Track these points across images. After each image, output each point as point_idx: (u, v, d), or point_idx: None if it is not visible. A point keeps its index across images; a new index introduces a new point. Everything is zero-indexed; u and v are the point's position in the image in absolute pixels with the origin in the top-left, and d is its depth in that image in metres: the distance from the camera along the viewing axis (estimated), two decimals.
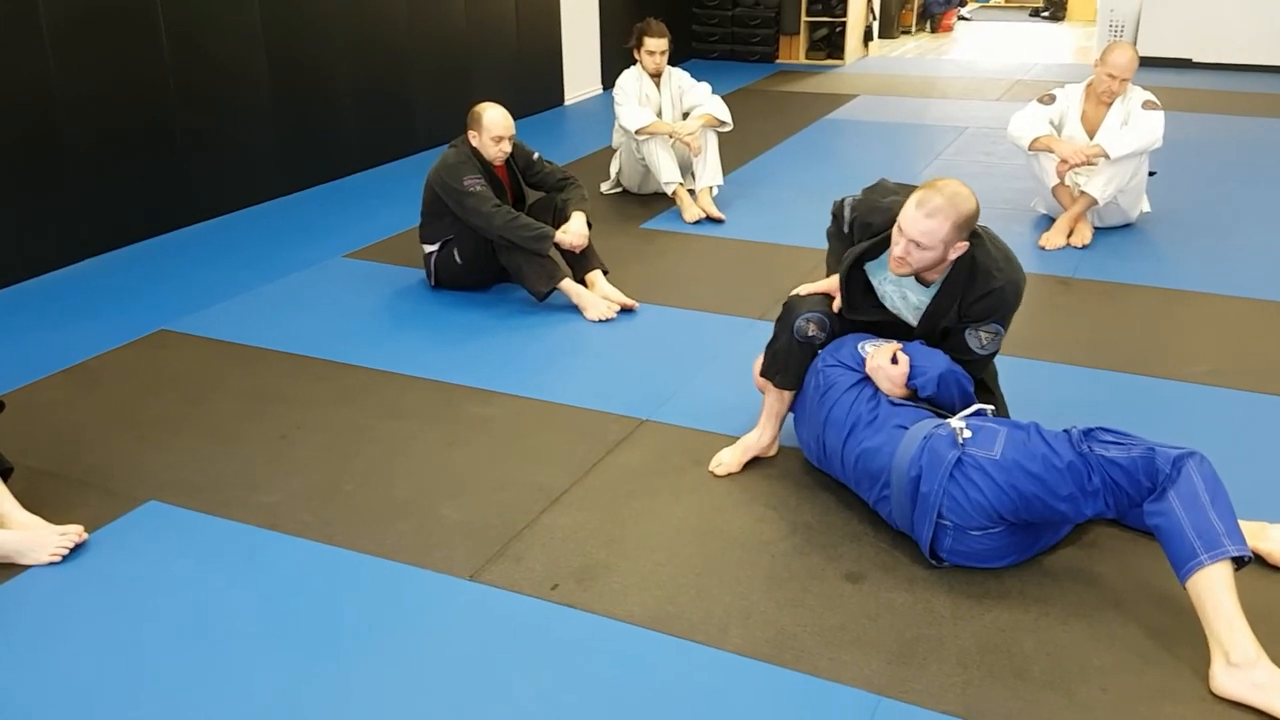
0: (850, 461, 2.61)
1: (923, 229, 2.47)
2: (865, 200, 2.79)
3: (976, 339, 2.66)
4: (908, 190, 2.65)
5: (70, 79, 4.43)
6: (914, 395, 2.62)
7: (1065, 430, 2.34)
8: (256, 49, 5.32)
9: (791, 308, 2.80)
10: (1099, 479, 2.24)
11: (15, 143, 4.28)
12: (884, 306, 2.77)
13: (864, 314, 2.77)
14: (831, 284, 2.83)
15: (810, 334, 2.75)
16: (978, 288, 2.59)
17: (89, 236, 4.62)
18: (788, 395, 2.85)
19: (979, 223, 2.58)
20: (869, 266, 2.72)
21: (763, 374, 2.88)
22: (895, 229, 2.54)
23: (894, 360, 2.62)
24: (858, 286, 2.74)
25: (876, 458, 2.52)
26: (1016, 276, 2.62)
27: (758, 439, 2.90)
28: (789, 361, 2.79)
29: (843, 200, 2.88)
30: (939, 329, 2.69)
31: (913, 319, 2.73)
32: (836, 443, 2.63)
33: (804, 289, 2.86)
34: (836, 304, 2.79)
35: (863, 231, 2.74)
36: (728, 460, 2.88)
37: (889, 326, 2.78)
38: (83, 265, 4.57)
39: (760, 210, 5.28)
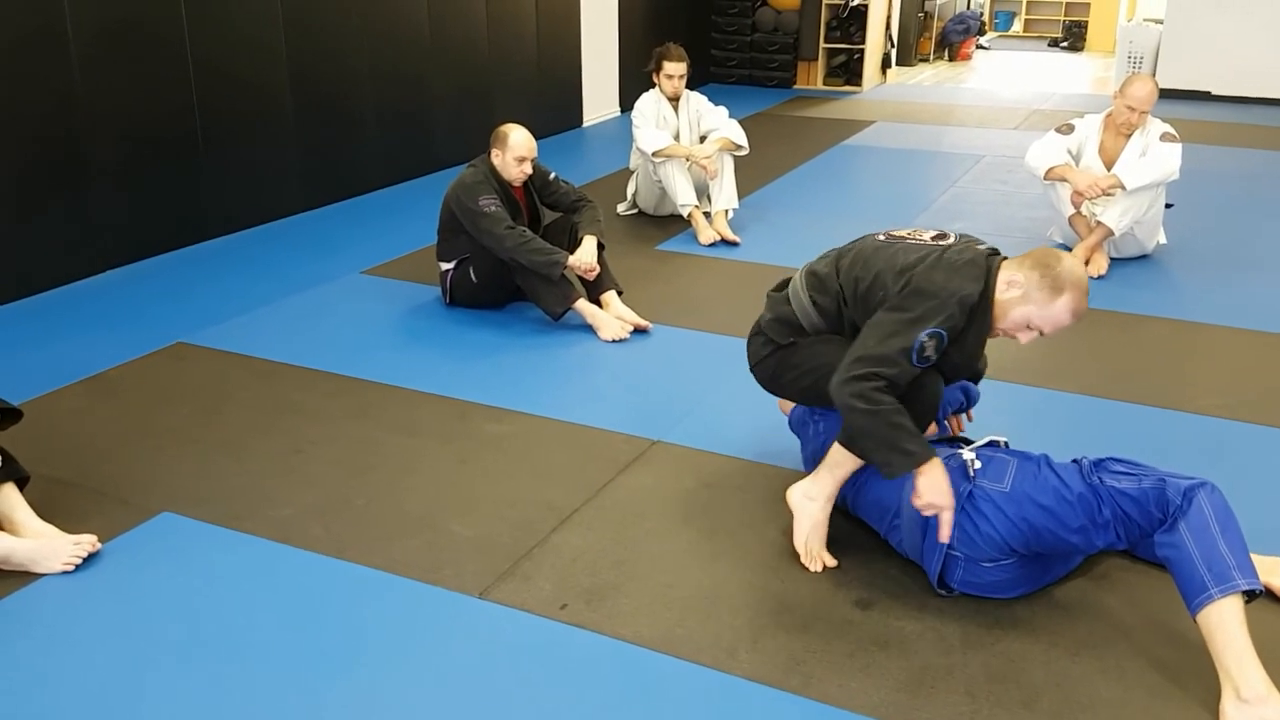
0: (861, 496, 2.61)
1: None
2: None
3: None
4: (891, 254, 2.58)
5: (96, 95, 4.49)
6: None
7: (1075, 461, 2.34)
8: (279, 67, 5.38)
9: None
10: (1109, 511, 2.23)
11: (40, 156, 4.34)
12: None
13: None
14: None
15: (929, 354, 2.40)
16: None
17: (110, 249, 4.67)
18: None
19: (987, 251, 2.51)
20: None
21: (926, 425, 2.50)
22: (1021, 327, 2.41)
23: None
24: None
25: (888, 490, 2.51)
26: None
27: (824, 510, 2.60)
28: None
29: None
30: None
31: None
32: (849, 485, 2.63)
33: None
34: None
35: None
36: (816, 549, 2.57)
37: None
38: (104, 277, 4.61)
39: (775, 234, 5.29)
